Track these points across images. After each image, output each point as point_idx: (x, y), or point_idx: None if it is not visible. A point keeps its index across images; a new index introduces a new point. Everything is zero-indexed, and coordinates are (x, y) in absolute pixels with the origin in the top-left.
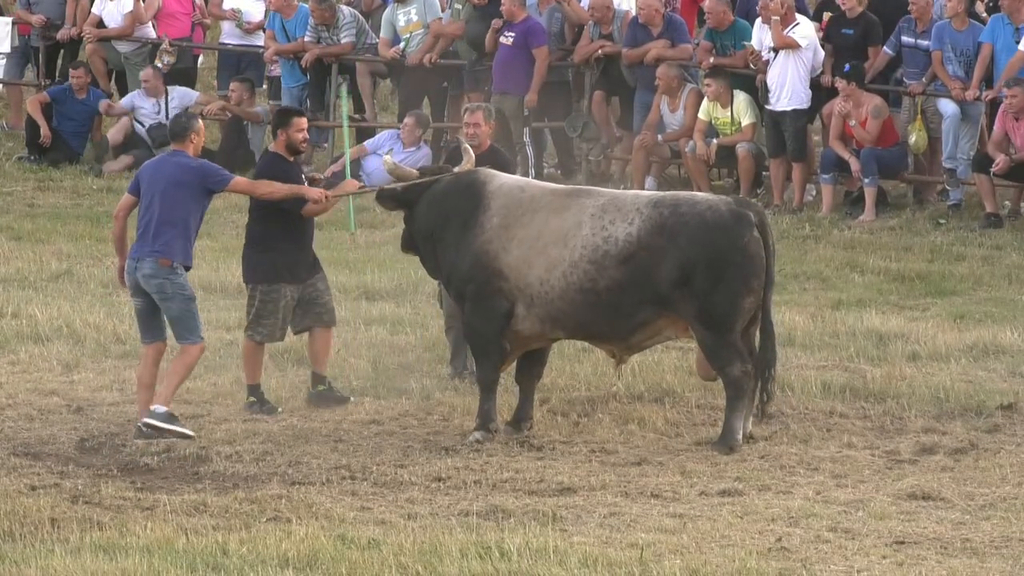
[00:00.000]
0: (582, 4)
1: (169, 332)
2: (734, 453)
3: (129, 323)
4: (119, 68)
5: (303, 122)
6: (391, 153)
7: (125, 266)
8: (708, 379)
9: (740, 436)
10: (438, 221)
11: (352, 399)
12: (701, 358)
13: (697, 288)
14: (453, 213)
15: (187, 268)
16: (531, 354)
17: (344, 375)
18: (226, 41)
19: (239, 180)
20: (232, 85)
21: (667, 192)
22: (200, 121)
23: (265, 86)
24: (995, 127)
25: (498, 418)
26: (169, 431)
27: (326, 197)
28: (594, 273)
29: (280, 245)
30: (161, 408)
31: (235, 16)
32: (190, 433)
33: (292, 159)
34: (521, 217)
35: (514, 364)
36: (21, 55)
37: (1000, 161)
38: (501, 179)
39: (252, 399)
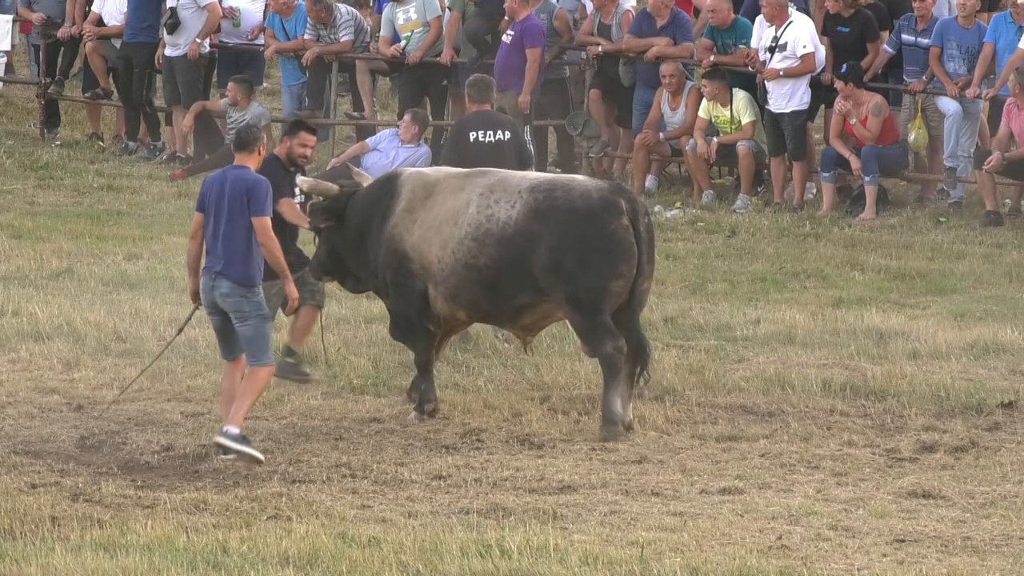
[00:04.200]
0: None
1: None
2: (618, 428)
3: (129, 321)
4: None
5: (310, 139)
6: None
7: (201, 284)
8: (591, 356)
9: (618, 409)
10: (364, 220)
11: (310, 377)
12: None
13: (566, 272)
14: (375, 209)
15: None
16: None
17: (345, 373)
18: (225, 40)
19: (265, 221)
20: (229, 85)
21: (550, 175)
22: (263, 134)
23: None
24: (1001, 126)
25: (436, 399)
26: (240, 452)
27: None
28: (476, 250)
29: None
30: (234, 429)
31: (232, 15)
32: (260, 456)
33: (290, 169)
34: (425, 200)
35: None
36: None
37: (992, 159)
38: (413, 170)
39: (290, 360)
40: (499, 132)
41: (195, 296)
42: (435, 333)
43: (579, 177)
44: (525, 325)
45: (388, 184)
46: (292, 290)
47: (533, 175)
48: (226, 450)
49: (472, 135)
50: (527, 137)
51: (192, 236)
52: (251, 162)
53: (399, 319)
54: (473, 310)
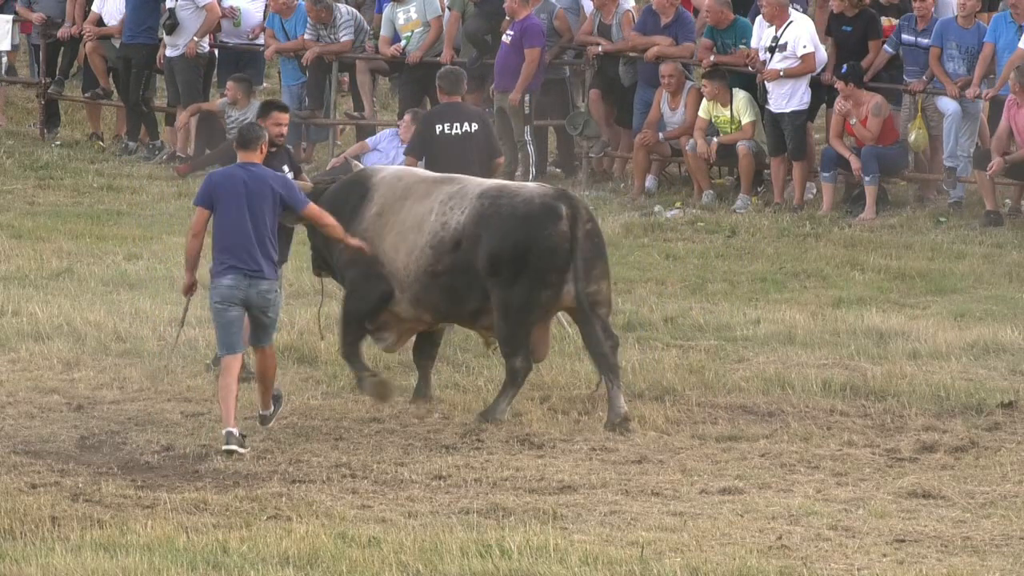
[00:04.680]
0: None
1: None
2: (489, 424)
3: (129, 321)
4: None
5: (283, 117)
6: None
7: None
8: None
9: (501, 416)
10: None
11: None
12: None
13: (503, 277)
14: (343, 208)
15: None
16: (425, 336)
17: (345, 373)
18: (225, 40)
19: (313, 208)
20: (228, 84)
21: (500, 182)
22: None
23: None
24: (1001, 122)
25: (370, 367)
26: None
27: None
28: (433, 258)
29: None
30: (267, 411)
31: (233, 14)
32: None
33: (271, 150)
34: (394, 204)
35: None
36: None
37: (994, 164)
38: (385, 171)
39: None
40: (467, 124)
41: (188, 290)
42: (368, 331)
43: (530, 184)
44: (486, 326)
45: (360, 185)
46: (354, 241)
47: (489, 182)
48: (226, 441)
49: (439, 127)
50: (527, 137)
51: (195, 233)
52: (257, 159)
53: (345, 314)
54: (436, 313)
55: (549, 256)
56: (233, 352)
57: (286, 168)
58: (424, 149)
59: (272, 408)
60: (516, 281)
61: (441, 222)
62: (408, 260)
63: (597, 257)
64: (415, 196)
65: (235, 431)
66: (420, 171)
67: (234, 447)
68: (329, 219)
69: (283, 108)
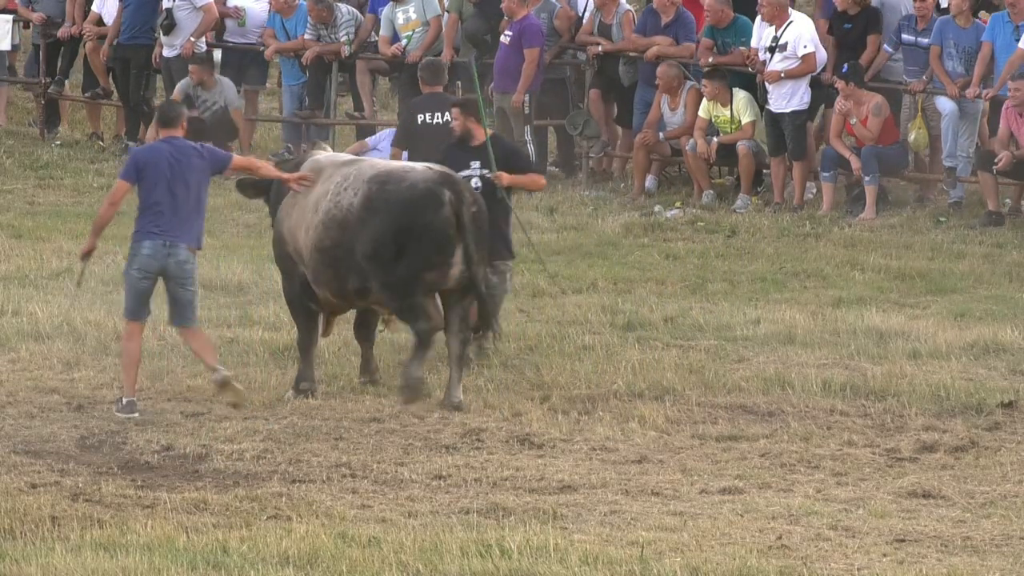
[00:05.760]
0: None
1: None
2: (418, 394)
3: None
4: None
5: (451, 111)
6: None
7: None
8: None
9: (417, 372)
10: (277, 202)
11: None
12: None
13: (384, 260)
14: (281, 192)
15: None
16: (360, 318)
17: (344, 373)
18: (229, 39)
19: (237, 158)
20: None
21: (391, 165)
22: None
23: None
24: (1000, 126)
25: (313, 380)
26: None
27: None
28: (323, 233)
29: None
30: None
31: (238, 14)
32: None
33: (454, 143)
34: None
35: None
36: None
37: (1003, 157)
38: (315, 157)
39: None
40: (447, 113)
41: (87, 254)
42: (316, 313)
43: (418, 167)
44: (372, 303)
45: (293, 168)
46: (289, 176)
47: (382, 166)
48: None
49: (420, 117)
50: (527, 137)
51: (112, 202)
52: (179, 134)
53: (286, 300)
54: (329, 290)
55: (432, 240)
56: (136, 319)
57: (476, 164)
58: (407, 139)
59: (220, 370)
60: (398, 261)
61: (335, 201)
62: (305, 238)
63: (480, 241)
64: (322, 179)
65: (135, 400)
66: (337, 155)
67: (127, 415)
68: (258, 163)
69: (454, 103)
